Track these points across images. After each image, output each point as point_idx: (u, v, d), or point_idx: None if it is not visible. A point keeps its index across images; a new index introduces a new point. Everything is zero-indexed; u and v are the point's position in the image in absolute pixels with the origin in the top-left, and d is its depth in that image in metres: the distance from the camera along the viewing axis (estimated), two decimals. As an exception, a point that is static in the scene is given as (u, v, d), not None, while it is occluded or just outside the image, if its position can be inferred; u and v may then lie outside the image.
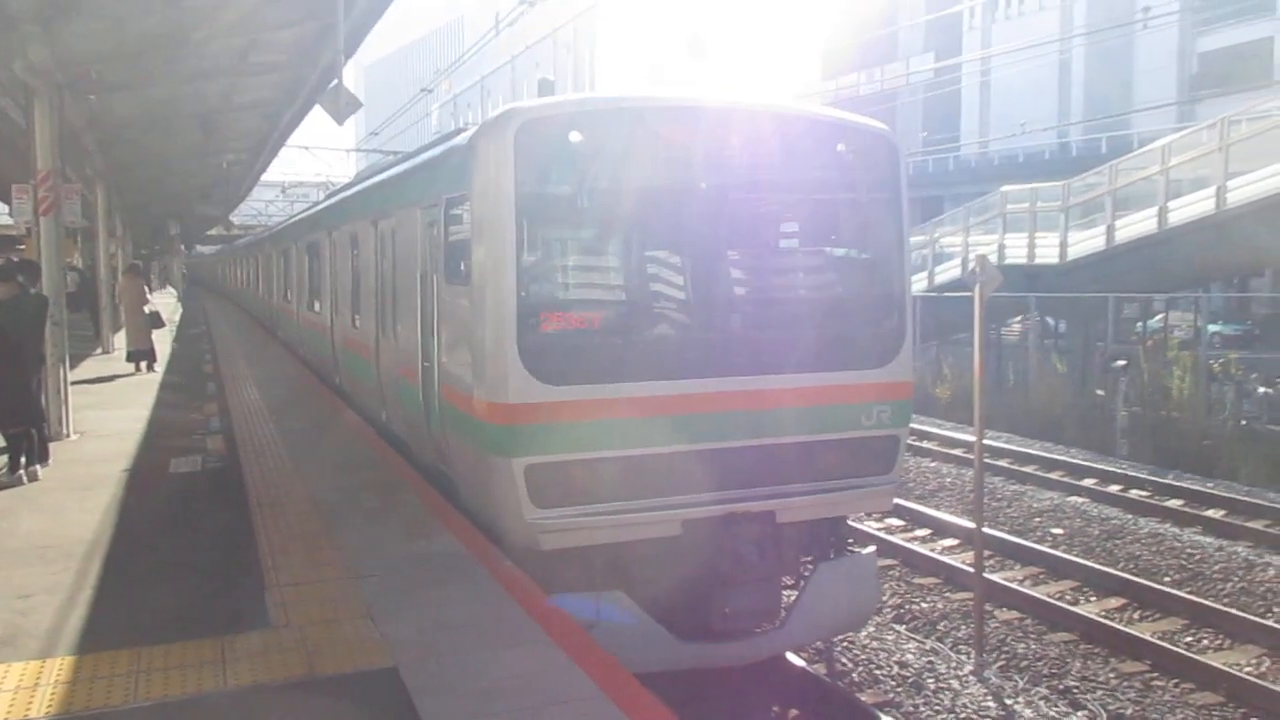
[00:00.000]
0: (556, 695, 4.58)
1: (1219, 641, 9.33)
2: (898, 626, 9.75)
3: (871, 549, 8.28)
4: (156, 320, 18.52)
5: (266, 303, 25.32)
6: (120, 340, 19.69)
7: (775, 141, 7.54)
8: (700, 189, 7.34)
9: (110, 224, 22.16)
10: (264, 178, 36.23)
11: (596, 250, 7.60)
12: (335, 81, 12.68)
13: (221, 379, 16.28)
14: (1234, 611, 9.80)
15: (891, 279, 7.83)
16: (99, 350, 20.50)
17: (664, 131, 7.17)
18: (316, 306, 15.64)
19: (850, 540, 8.34)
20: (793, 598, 7.74)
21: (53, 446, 10.34)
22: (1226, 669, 8.49)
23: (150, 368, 17.57)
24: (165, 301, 36.72)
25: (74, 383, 12.40)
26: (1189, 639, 9.41)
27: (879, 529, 12.71)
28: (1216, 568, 11.26)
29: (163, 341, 20.58)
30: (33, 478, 8.96)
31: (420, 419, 8.52)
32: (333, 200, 16.21)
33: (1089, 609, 10.06)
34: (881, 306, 7.84)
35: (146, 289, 20.08)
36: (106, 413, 12.83)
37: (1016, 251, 25.95)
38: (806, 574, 7.79)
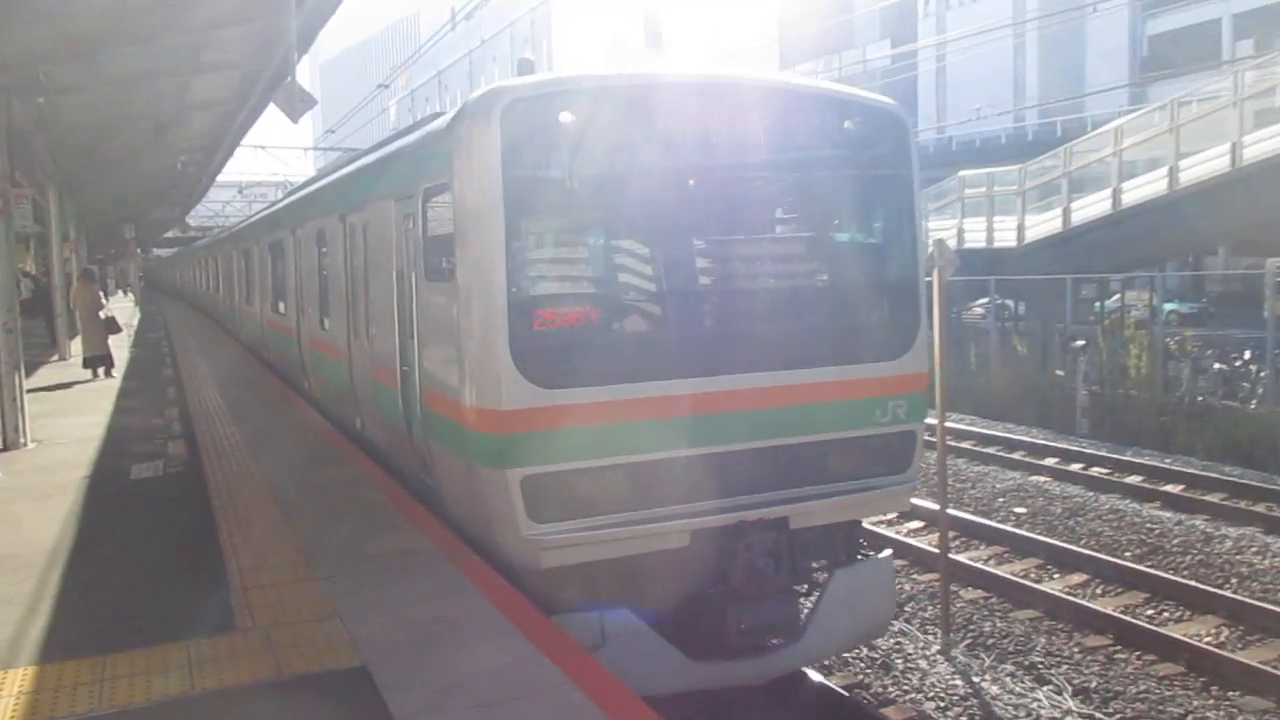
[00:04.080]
0: (526, 687, 4.59)
1: (1179, 613, 9.50)
2: (866, 609, 9.84)
3: (888, 552, 7.80)
4: (113, 325, 18.26)
5: (227, 305, 24.83)
6: (76, 347, 19.40)
7: (782, 119, 7.10)
8: (702, 171, 6.87)
9: (64, 229, 21.76)
10: (220, 178, 35.82)
11: (592, 240, 7.01)
12: (289, 79, 12.56)
13: (181, 383, 16.10)
14: (1193, 583, 10.00)
15: (904, 264, 7.37)
16: (55, 357, 20.20)
17: (662, 110, 6.69)
18: (281, 308, 15.11)
19: (863, 542, 7.88)
20: (808, 608, 7.36)
21: (10, 455, 10.21)
22: (1187, 639, 8.64)
23: (108, 373, 17.35)
24: (122, 306, 36.23)
25: (30, 390, 12.22)
26: (1150, 612, 9.58)
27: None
28: (1176, 541, 11.46)
29: (120, 347, 20.30)
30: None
31: (400, 427, 8.04)
32: (296, 197, 15.68)
33: (1053, 586, 10.21)
34: (894, 294, 7.42)
35: (102, 294, 19.80)
36: (64, 420, 12.64)
37: (975, 235, 26.22)
38: (821, 582, 7.36)
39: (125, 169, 24.67)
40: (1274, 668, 8.14)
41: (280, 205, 17.88)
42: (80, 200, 26.80)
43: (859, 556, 7.61)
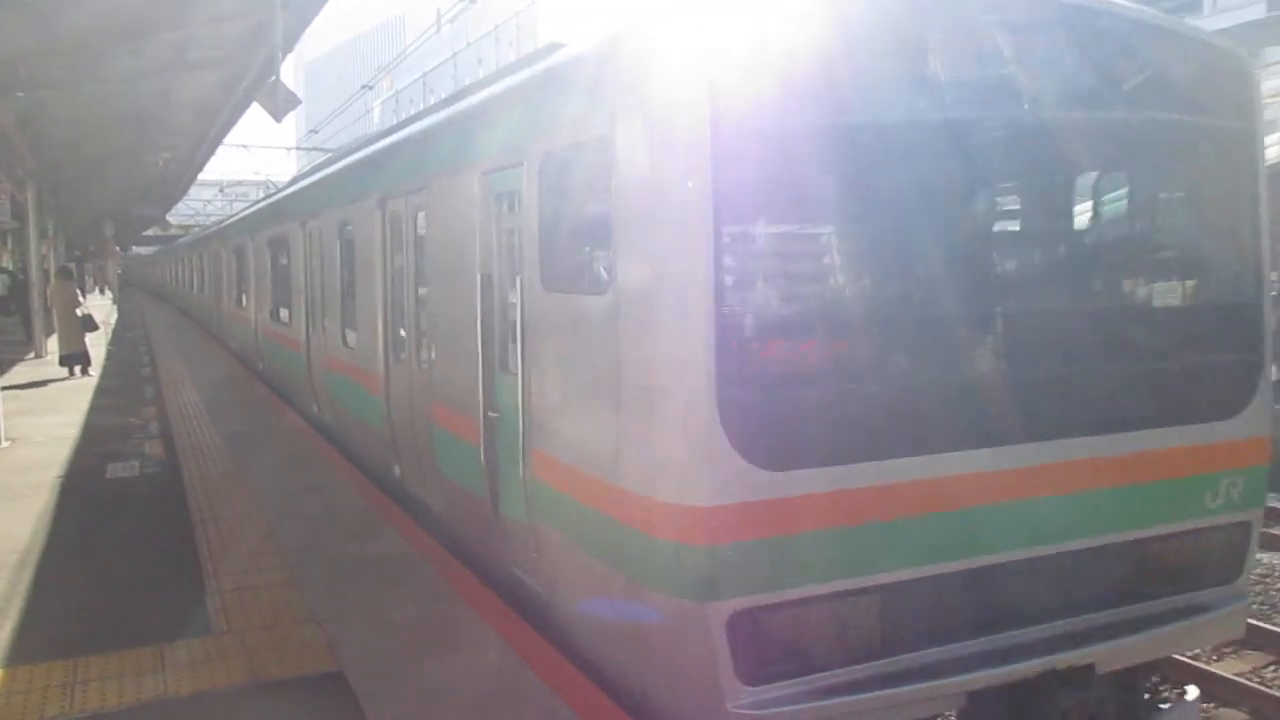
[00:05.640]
0: (505, 694, 4.55)
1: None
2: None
3: (1194, 693, 5.41)
4: (90, 323, 18.11)
5: (214, 307, 23.64)
6: (53, 344, 19.22)
7: (1113, 61, 4.82)
8: (1011, 130, 4.62)
9: (42, 225, 21.60)
10: (202, 176, 35.64)
11: (848, 235, 4.48)
12: (273, 78, 12.50)
13: (160, 383, 15.96)
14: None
15: (1245, 275, 5.07)
16: (31, 355, 20.00)
17: (958, 36, 4.41)
18: (284, 316, 13.14)
19: (1156, 679, 5.46)
20: None
21: (-17, 454, 10.10)
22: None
23: (85, 372, 17.18)
24: (100, 305, 35.99)
25: (5, 388, 12.10)
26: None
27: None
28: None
29: (98, 345, 20.14)
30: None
31: (478, 495, 6.02)
32: (306, 182, 13.47)
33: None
34: (1231, 319, 5.10)
35: (79, 292, 19.63)
36: (39, 418, 12.49)
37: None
38: None
39: (106, 166, 24.53)
40: (1248, 679, 8.17)
41: (284, 194, 15.75)
42: (60, 197, 26.62)
43: (1160, 698, 5.38)
